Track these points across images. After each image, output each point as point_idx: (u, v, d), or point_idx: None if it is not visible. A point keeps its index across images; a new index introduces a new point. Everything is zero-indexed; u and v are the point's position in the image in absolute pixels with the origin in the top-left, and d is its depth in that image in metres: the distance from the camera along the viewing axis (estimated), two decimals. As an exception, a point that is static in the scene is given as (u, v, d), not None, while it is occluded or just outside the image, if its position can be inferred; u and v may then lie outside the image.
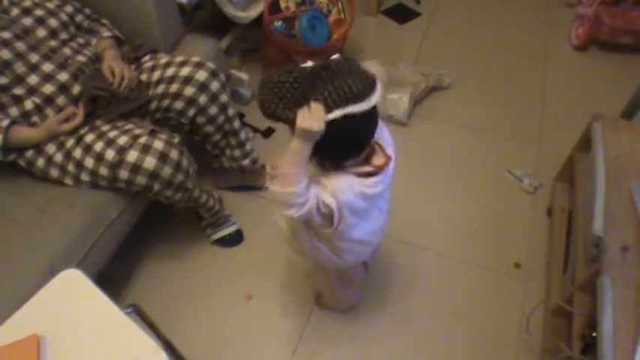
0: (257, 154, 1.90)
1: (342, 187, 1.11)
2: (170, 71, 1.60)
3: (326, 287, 1.64)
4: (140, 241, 1.82)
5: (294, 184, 1.06)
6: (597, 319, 1.30)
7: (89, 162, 1.46)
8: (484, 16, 2.88)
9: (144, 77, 1.62)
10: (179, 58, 1.62)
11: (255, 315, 1.72)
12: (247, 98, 2.27)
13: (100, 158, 1.44)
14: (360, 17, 2.55)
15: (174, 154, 1.46)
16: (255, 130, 2.19)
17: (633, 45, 2.59)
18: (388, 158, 1.16)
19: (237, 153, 1.83)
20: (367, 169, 1.13)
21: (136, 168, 1.41)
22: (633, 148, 1.65)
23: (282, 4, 2.07)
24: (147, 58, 1.67)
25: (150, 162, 1.41)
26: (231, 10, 2.01)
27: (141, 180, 1.43)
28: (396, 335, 1.69)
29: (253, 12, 2.04)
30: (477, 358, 1.66)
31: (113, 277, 1.71)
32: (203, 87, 1.59)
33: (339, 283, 1.56)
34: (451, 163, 2.17)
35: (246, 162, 1.86)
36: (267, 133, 2.20)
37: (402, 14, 2.78)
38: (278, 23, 2.02)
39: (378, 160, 1.14)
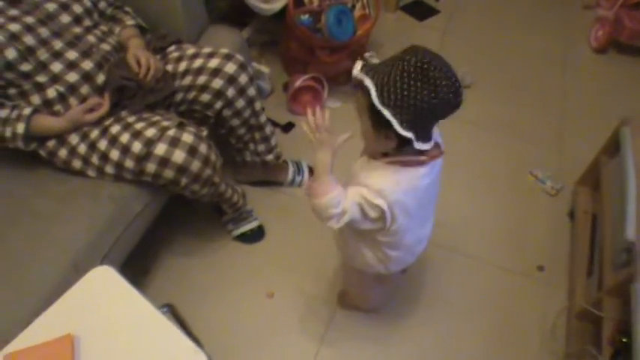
0: (281, 150, 1.87)
1: (390, 187, 1.08)
2: (198, 62, 1.56)
3: (357, 288, 1.61)
4: (158, 235, 1.79)
5: (322, 196, 1.09)
6: (632, 325, 1.28)
7: (115, 154, 1.42)
8: (502, 16, 2.85)
9: (169, 68, 1.58)
10: (207, 50, 1.58)
11: (277, 313, 1.70)
12: (267, 91, 2.23)
13: (126, 150, 1.40)
14: (379, 13, 2.51)
15: (203, 147, 1.43)
16: (275, 124, 2.16)
17: (653, 48, 2.58)
18: (440, 150, 1.14)
19: (261, 147, 1.80)
20: (421, 158, 1.09)
21: (164, 161, 1.38)
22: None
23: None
24: (172, 48, 1.63)
25: (179, 155, 1.38)
26: (254, 2, 1.97)
27: (169, 173, 1.40)
28: (421, 336, 1.67)
29: (277, 4, 2.00)
30: (500, 361, 1.65)
31: (130, 272, 1.68)
32: (231, 79, 1.56)
33: (374, 284, 1.53)
34: (473, 162, 2.15)
35: (269, 157, 1.83)
36: (287, 127, 2.17)
37: (421, 11, 2.75)
38: (304, 17, 1.98)
39: (431, 150, 1.11)
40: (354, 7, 2.06)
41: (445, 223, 1.94)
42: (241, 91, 1.59)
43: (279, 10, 2.05)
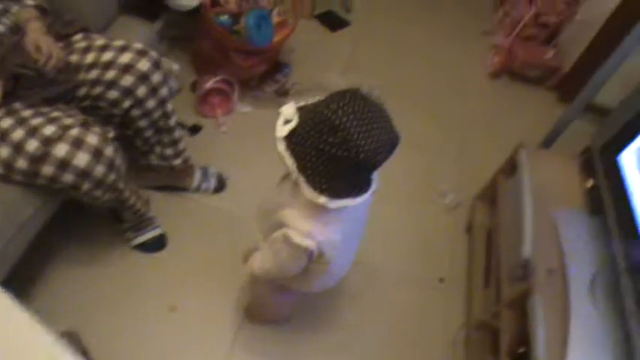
0: (189, 154, 1.77)
1: (318, 227, 1.05)
2: (107, 56, 1.42)
3: (263, 299, 1.56)
4: (47, 242, 1.60)
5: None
6: (530, 337, 1.37)
7: (4, 152, 1.25)
8: (409, 32, 2.96)
9: (74, 58, 1.43)
10: (118, 43, 1.45)
11: (179, 328, 1.60)
12: (174, 90, 2.10)
13: (18, 149, 1.24)
14: (298, 21, 2.49)
15: (109, 151, 1.30)
16: (181, 125, 2.04)
17: (539, 78, 2.82)
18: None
19: (168, 151, 1.69)
20: None
21: (64, 164, 1.24)
22: (554, 177, 1.78)
23: (222, -1, 1.95)
24: (78, 37, 1.47)
25: (82, 158, 1.24)
26: (170, -4, 1.85)
27: (68, 178, 1.26)
28: (326, 348, 1.66)
29: (195, 1, 1.89)
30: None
31: (15, 284, 1.49)
32: (144, 77, 1.44)
33: (277, 294, 1.49)
34: (378, 172, 2.19)
35: (177, 161, 1.73)
36: (194, 130, 2.06)
37: (332, 22, 2.77)
38: (224, 17, 1.90)
39: None
40: (271, 12, 2.01)
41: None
42: (153, 91, 1.48)
43: (195, 6, 1.94)
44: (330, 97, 0.96)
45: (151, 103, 1.50)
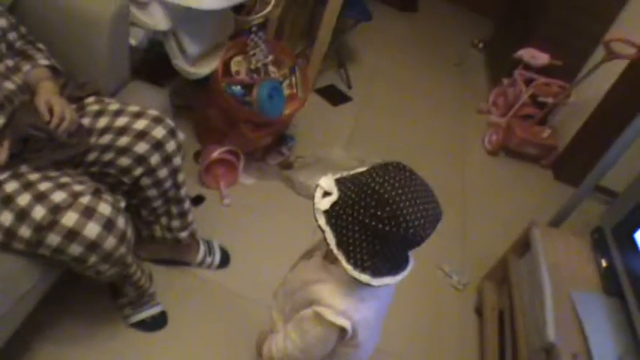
0: (197, 227, 1.69)
1: (354, 304, 0.99)
2: (121, 121, 1.38)
3: None
4: (39, 316, 1.48)
5: None
6: None
7: (6, 218, 1.16)
8: (411, 107, 3.02)
9: (86, 122, 1.38)
10: (133, 108, 1.41)
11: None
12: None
13: (23, 215, 1.16)
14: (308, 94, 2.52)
15: (121, 222, 1.23)
16: (185, 196, 1.98)
17: (535, 156, 2.87)
18: None
19: (175, 223, 1.61)
20: None
21: (72, 234, 1.15)
22: (567, 256, 1.75)
23: (234, 68, 1.96)
24: (91, 100, 1.43)
25: (92, 229, 1.16)
26: (181, 63, 1.84)
27: (75, 249, 1.17)
28: None
29: (205, 69, 1.90)
30: None
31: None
32: (158, 145, 1.39)
33: None
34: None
35: (184, 234, 1.64)
36: (197, 201, 1.99)
37: (334, 96, 2.81)
38: (236, 87, 1.89)
39: None
40: (281, 84, 2.02)
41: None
42: (167, 160, 1.43)
43: (205, 75, 1.94)
44: (373, 169, 0.92)
45: (162, 172, 1.44)
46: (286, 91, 2.00)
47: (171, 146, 1.43)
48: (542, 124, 2.88)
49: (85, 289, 1.60)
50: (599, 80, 2.63)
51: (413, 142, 2.77)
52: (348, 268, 0.91)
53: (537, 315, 1.58)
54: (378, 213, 0.87)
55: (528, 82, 2.77)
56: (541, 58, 2.73)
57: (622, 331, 1.52)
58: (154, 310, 1.60)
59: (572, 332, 1.51)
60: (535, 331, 1.57)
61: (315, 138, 2.47)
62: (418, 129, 2.89)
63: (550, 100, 2.72)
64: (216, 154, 1.97)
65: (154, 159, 1.40)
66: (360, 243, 0.90)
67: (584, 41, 2.80)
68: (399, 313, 1.91)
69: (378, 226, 0.87)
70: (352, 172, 0.97)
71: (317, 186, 0.94)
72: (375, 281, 0.92)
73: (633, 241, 1.62)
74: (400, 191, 0.87)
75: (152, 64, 1.98)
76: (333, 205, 0.91)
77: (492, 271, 2.02)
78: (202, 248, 1.79)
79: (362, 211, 0.88)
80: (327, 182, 0.94)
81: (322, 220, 0.92)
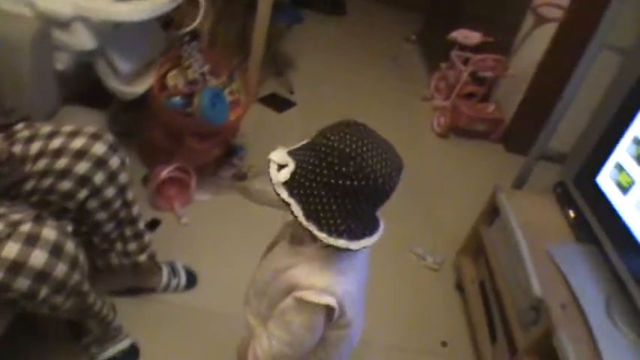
0: (155, 248, 1.59)
1: (334, 278, 0.92)
2: (56, 143, 1.28)
3: None
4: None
5: None
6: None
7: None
8: (356, 104, 2.99)
9: (17, 149, 1.27)
10: (68, 128, 1.31)
11: None
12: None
13: (-44, 256, 1.04)
14: (252, 98, 2.46)
15: (70, 246, 1.12)
16: (138, 221, 1.87)
17: (484, 132, 2.90)
18: None
19: (132, 246, 1.50)
20: None
21: (16, 266, 1.04)
22: (536, 213, 1.74)
23: (170, 82, 1.88)
24: (20, 126, 1.32)
25: (38, 257, 1.06)
26: (115, 84, 1.75)
27: (22, 283, 1.05)
28: None
29: (140, 87, 1.81)
30: None
31: None
32: (100, 163, 1.29)
33: None
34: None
35: (142, 257, 1.53)
36: (153, 225, 1.88)
37: (278, 103, 2.76)
38: (175, 99, 1.81)
39: None
40: (223, 91, 1.95)
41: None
42: (112, 177, 1.33)
43: (138, 96, 1.85)
44: (325, 131, 0.88)
45: (109, 192, 1.34)
46: (229, 98, 1.94)
47: (114, 162, 1.33)
48: (486, 100, 2.93)
49: (43, 334, 1.47)
50: (532, 48, 2.70)
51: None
52: (323, 236, 0.85)
53: (519, 276, 1.56)
54: (344, 169, 0.82)
55: (465, 61, 2.81)
56: (473, 37, 2.78)
57: (602, 274, 1.51)
58: (122, 345, 1.47)
59: (556, 284, 1.49)
60: (520, 293, 1.55)
61: (265, 146, 2.34)
62: (368, 122, 2.87)
63: (489, 74, 2.77)
64: (164, 173, 1.88)
65: (98, 178, 1.30)
66: (330, 207, 0.84)
67: (513, 14, 2.88)
68: (381, 304, 1.86)
69: (345, 183, 0.82)
70: (302, 143, 0.91)
71: (269, 161, 0.88)
72: (353, 244, 0.87)
73: (596, 186, 1.64)
74: (360, 143, 0.83)
75: (87, 91, 1.88)
76: (293, 174, 0.86)
77: (465, 246, 2.00)
78: (165, 271, 1.68)
79: (325, 172, 0.83)
80: (279, 155, 0.88)
81: (284, 194, 0.86)
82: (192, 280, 1.73)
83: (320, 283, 0.91)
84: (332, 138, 0.85)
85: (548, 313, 1.39)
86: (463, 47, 2.84)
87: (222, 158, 2.15)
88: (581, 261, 1.57)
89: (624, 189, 1.52)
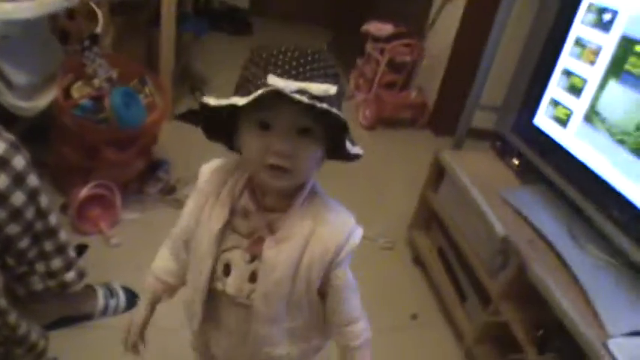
0: (84, 265, 1.39)
1: (348, 213, 0.83)
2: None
3: None
4: None
5: None
6: (553, 305, 1.20)
7: None
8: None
9: None
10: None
11: None
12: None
13: None
14: (169, 100, 2.31)
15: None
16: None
17: (411, 119, 2.92)
18: None
19: (56, 264, 1.29)
20: None
21: None
22: (480, 167, 1.73)
23: (76, 94, 1.70)
24: None
25: None
26: (11, 99, 1.55)
27: None
28: None
29: (41, 101, 1.62)
30: None
31: None
32: (2, 163, 1.11)
33: None
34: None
35: (70, 275, 1.32)
36: (80, 250, 1.66)
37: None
38: (84, 103, 1.63)
39: None
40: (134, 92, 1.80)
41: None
42: (18, 180, 1.14)
43: (42, 109, 1.67)
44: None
45: (17, 198, 1.14)
46: (143, 101, 1.79)
47: (19, 162, 1.14)
48: (407, 87, 2.96)
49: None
50: (445, 29, 2.76)
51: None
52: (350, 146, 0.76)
53: (477, 228, 1.51)
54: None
55: (381, 52, 2.83)
56: (386, 28, 2.82)
57: (559, 208, 1.51)
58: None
59: (517, 225, 1.47)
60: (482, 244, 1.51)
61: (190, 158, 2.24)
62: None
63: (407, 58, 2.80)
64: (84, 192, 1.68)
65: (1, 182, 1.11)
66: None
67: (419, 3, 2.95)
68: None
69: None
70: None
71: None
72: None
73: (535, 128, 1.64)
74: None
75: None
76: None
77: (415, 219, 1.95)
78: (101, 292, 1.48)
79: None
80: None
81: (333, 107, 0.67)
82: (132, 298, 1.54)
83: (345, 221, 0.81)
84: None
85: (516, 250, 1.35)
86: (377, 39, 2.86)
87: (146, 174, 1.99)
88: (535, 200, 1.57)
89: (563, 122, 1.53)
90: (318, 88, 0.67)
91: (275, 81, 0.66)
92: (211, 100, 0.71)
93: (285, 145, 0.70)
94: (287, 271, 0.77)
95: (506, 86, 1.81)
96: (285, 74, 0.67)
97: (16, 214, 1.16)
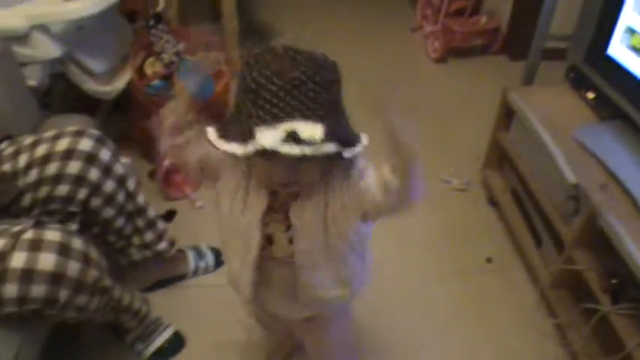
0: (173, 234, 1.55)
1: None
2: (41, 150, 1.23)
3: (340, 338, 1.20)
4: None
5: None
6: (624, 257, 1.17)
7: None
8: (348, 54, 2.81)
9: (6, 167, 1.23)
10: (49, 133, 1.26)
11: None
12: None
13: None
14: (236, 64, 2.38)
15: (77, 243, 1.08)
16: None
17: (483, 45, 2.78)
18: None
19: (148, 237, 1.46)
20: None
21: (27, 275, 1.01)
22: (553, 105, 1.65)
23: (148, 71, 1.82)
24: (4, 145, 1.28)
25: (46, 260, 1.02)
26: (93, 86, 1.70)
27: (38, 290, 1.02)
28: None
29: (120, 82, 1.76)
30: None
31: None
32: (91, 158, 1.25)
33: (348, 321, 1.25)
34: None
35: (162, 245, 1.50)
36: (169, 216, 1.84)
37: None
38: (154, 83, 1.75)
39: None
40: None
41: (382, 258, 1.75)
42: (107, 170, 1.28)
43: (121, 90, 1.80)
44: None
45: (109, 186, 1.29)
46: (210, 71, 1.86)
47: (105, 155, 1.28)
48: (477, 13, 2.79)
49: (86, 343, 1.45)
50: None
51: (363, 80, 2.64)
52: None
53: (550, 171, 1.47)
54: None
55: (445, -22, 2.67)
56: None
57: (637, 146, 1.42)
58: (166, 334, 1.45)
59: (590, 168, 1.41)
60: (555, 188, 1.47)
61: None
62: (363, 67, 2.75)
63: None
64: (166, 161, 1.83)
65: (93, 174, 1.26)
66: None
67: None
68: (418, 237, 1.81)
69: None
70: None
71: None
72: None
73: (610, 59, 1.53)
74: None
75: (71, 100, 1.84)
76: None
77: (488, 159, 1.92)
78: (191, 255, 1.65)
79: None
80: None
81: (333, 147, 0.74)
82: (219, 258, 1.70)
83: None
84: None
85: (587, 197, 1.31)
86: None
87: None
88: (610, 138, 1.48)
89: (640, 51, 1.41)
90: (304, 129, 0.70)
91: (264, 136, 0.69)
92: (211, 136, 0.77)
93: (287, 176, 0.79)
94: (315, 228, 0.86)
95: (578, 12, 1.68)
96: (274, 119, 0.70)
97: (109, 200, 1.31)
